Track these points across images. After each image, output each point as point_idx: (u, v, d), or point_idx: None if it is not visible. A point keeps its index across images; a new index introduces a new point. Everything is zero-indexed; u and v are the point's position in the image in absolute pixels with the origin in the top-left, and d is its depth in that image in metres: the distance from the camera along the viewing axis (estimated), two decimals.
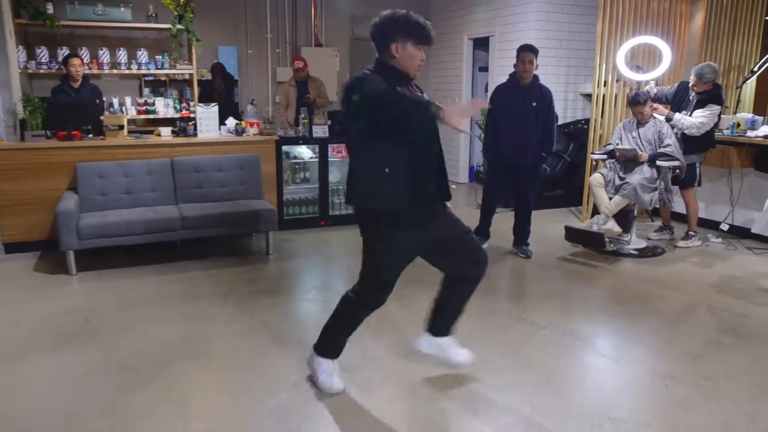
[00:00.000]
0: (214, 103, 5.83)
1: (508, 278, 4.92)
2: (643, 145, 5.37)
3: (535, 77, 5.10)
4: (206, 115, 5.72)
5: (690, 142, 5.46)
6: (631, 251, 5.32)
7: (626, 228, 5.36)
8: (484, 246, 5.34)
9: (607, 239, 5.12)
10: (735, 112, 6.26)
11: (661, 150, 5.31)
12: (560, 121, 7.50)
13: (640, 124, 5.43)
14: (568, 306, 4.15)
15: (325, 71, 8.25)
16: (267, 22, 8.63)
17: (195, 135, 5.71)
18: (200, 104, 5.80)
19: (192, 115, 5.76)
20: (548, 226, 6.40)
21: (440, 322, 3.00)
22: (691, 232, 5.67)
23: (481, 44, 8.62)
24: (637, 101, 5.37)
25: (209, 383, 3.06)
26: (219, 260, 5.12)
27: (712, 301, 4.26)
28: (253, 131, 5.94)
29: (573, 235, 5.35)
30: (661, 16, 6.66)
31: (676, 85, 5.80)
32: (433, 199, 2.70)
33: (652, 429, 2.66)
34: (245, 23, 8.53)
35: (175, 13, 6.46)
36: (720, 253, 5.45)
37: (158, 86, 7.95)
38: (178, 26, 6.46)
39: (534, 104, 5.00)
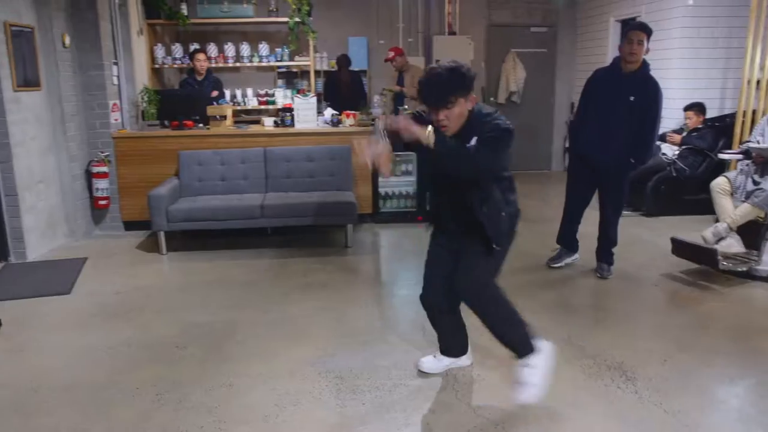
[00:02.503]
0: (312, 94, 5.91)
1: (586, 293, 4.31)
2: None
3: (645, 65, 4.19)
4: (303, 106, 5.83)
5: None
6: (762, 274, 4.36)
7: (755, 245, 4.41)
8: (570, 260, 4.75)
9: (720, 257, 4.24)
10: None
11: None
12: (713, 113, 6.44)
13: None
14: (644, 336, 3.53)
15: (461, 59, 7.96)
16: (399, 11, 8.55)
17: (292, 125, 5.84)
18: (298, 95, 5.92)
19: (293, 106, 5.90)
20: (675, 235, 5.53)
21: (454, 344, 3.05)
22: None
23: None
24: None
25: (210, 371, 3.09)
26: (297, 250, 5.20)
27: None
28: (350, 122, 5.92)
29: (680, 248, 4.53)
30: None
31: None
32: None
33: None
34: (376, 13, 8.54)
35: (294, 6, 6.67)
36: None
37: (292, 78, 8.30)
38: (296, 19, 6.66)
39: (631, 98, 4.12)
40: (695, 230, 5.08)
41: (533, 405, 2.67)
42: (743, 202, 4.44)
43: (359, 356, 3.22)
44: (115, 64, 5.70)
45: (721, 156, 5.02)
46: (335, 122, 5.87)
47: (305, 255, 5.06)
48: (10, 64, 4.73)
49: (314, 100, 5.86)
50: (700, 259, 4.44)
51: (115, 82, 5.69)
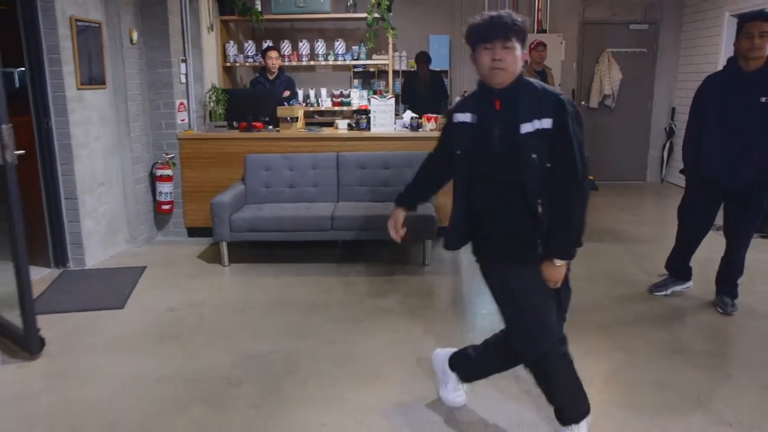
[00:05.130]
0: (390, 95, 5.41)
1: (707, 334, 3.58)
2: None
3: None
4: (380, 108, 5.34)
5: None
6: None
7: None
8: (681, 288, 4.02)
9: None
10: None
11: None
12: None
13: None
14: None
15: (549, 60, 7.28)
16: (485, 6, 7.94)
17: (368, 129, 5.36)
18: (375, 96, 5.43)
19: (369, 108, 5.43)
20: None
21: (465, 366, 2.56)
22: None
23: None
24: None
25: (264, 420, 2.63)
26: (369, 266, 4.71)
27: None
28: (430, 126, 5.38)
29: None
30: None
31: None
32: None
33: None
34: (461, 10, 7.97)
35: (373, 1, 6.21)
36: None
37: (368, 78, 7.86)
38: (374, 15, 6.20)
39: (764, 99, 3.40)
40: None
41: None
42: None
43: (442, 407, 2.67)
44: (184, 61, 5.40)
45: None
46: (414, 126, 5.35)
47: (378, 273, 4.56)
48: (74, 61, 4.48)
49: (392, 101, 5.36)
50: None
51: (183, 80, 5.38)
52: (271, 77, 6.12)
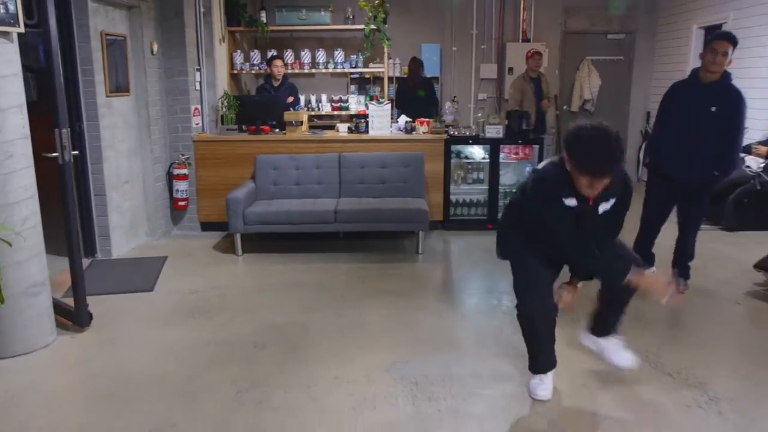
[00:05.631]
0: (386, 101, 5.96)
1: (663, 308, 4.15)
2: None
3: (726, 75, 4.00)
4: (378, 113, 5.88)
5: None
6: None
7: None
8: (649, 271, 4.58)
9: None
10: None
11: None
12: None
13: None
14: (725, 354, 3.39)
15: None
16: (473, 17, 8.52)
17: (366, 132, 5.91)
18: (373, 102, 5.98)
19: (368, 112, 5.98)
20: (758, 251, 5.27)
21: (599, 324, 3.05)
22: None
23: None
24: None
25: (287, 372, 3.16)
26: (369, 255, 5.25)
27: None
28: (423, 129, 5.93)
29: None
30: None
31: None
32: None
33: None
34: (450, 19, 8.54)
35: (370, 14, 6.74)
36: None
37: (364, 84, 8.39)
38: (371, 26, 6.73)
39: (713, 109, 3.96)
40: None
41: (621, 426, 2.60)
42: None
43: (434, 364, 3.22)
44: (198, 70, 5.92)
45: None
46: (409, 129, 5.90)
47: (376, 261, 5.10)
48: (104, 71, 4.99)
49: (389, 107, 5.91)
50: None
51: (198, 87, 5.91)
52: (276, 84, 6.65)
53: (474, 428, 2.65)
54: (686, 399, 2.89)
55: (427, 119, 6.04)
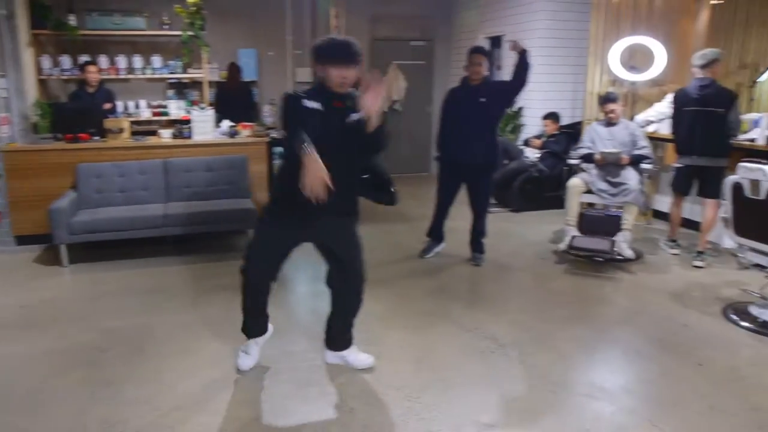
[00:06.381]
0: (209, 106, 6.17)
1: (464, 279, 4.97)
2: (616, 146, 5.29)
3: (486, 78, 5.01)
4: (201, 118, 6.08)
5: None
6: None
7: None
8: (439, 249, 5.42)
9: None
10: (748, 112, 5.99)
11: (638, 152, 5.24)
12: (565, 121, 7.40)
13: (611, 124, 5.35)
14: (512, 311, 4.22)
15: None
16: (287, 24, 8.93)
17: (190, 137, 6.07)
18: (195, 107, 6.16)
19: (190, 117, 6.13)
20: (538, 227, 6.41)
21: (336, 339, 3.38)
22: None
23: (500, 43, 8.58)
24: (613, 98, 5.32)
25: (137, 369, 3.36)
26: (200, 256, 5.46)
27: (659, 310, 4.20)
28: (246, 133, 6.24)
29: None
30: (664, 13, 6.46)
31: None
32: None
33: None
34: (265, 25, 8.87)
35: (186, 20, 6.86)
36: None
37: (181, 88, 8.41)
38: (188, 33, 6.86)
39: (482, 100, 4.88)
40: (551, 224, 6.01)
41: (434, 373, 3.23)
42: (606, 199, 5.28)
43: (274, 346, 3.61)
44: (3, 76, 5.65)
45: (572, 162, 5.80)
46: (232, 134, 6.17)
47: (208, 260, 5.33)
48: None
49: (211, 112, 6.13)
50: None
51: (4, 94, 5.65)
52: (91, 90, 6.53)
53: (315, 391, 3.11)
54: (482, 347, 3.61)
55: (249, 124, 6.34)
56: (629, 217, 5.21)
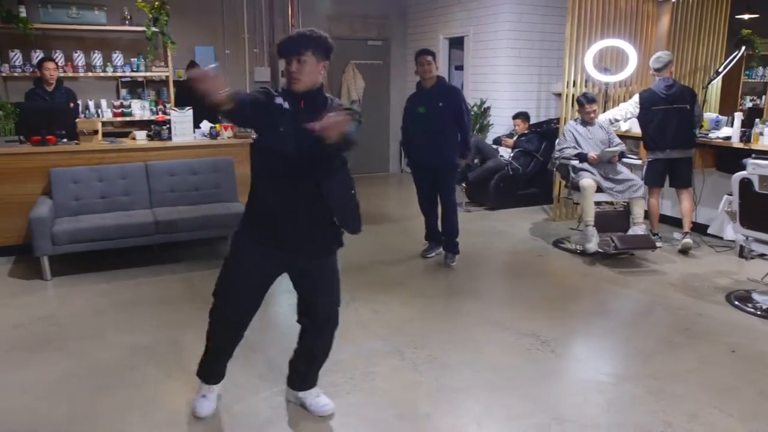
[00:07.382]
0: (188, 107, 5.88)
1: (470, 277, 5.04)
2: (597, 145, 5.53)
3: (440, 79, 5.11)
4: (180, 119, 5.79)
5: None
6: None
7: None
8: (439, 250, 5.44)
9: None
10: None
11: (617, 149, 5.54)
12: (532, 120, 7.63)
13: (588, 124, 5.58)
14: (527, 306, 4.31)
15: None
16: (244, 22, 8.67)
17: (169, 138, 5.77)
18: (174, 108, 5.86)
19: (167, 118, 5.81)
20: (517, 224, 6.57)
21: (300, 380, 2.99)
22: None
23: (458, 43, 8.71)
24: (594, 99, 5.56)
25: (175, 388, 3.16)
26: (193, 263, 5.21)
27: (669, 301, 4.42)
28: (228, 134, 6.00)
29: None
30: (628, 17, 6.79)
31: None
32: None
33: (601, 429, 2.81)
34: (222, 23, 8.57)
35: (150, 15, 6.51)
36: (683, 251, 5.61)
37: (136, 87, 7.96)
38: (153, 29, 6.51)
39: (440, 104, 4.96)
40: (527, 220, 6.25)
41: (492, 372, 3.24)
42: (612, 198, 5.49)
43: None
44: None
45: (573, 164, 5.77)
46: (214, 135, 5.92)
47: (204, 268, 5.08)
48: None
49: (191, 113, 5.84)
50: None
51: None
52: (49, 89, 6.06)
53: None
54: (527, 345, 3.67)
55: (230, 124, 6.09)
56: (639, 210, 5.46)
